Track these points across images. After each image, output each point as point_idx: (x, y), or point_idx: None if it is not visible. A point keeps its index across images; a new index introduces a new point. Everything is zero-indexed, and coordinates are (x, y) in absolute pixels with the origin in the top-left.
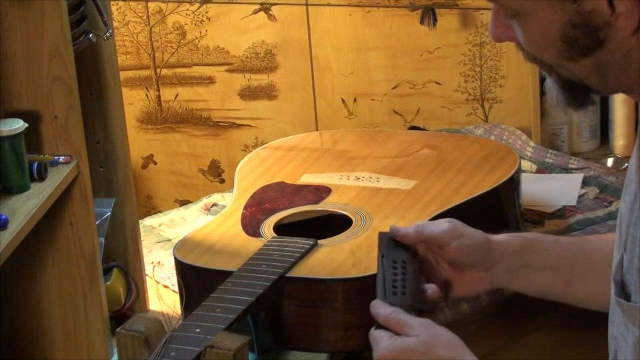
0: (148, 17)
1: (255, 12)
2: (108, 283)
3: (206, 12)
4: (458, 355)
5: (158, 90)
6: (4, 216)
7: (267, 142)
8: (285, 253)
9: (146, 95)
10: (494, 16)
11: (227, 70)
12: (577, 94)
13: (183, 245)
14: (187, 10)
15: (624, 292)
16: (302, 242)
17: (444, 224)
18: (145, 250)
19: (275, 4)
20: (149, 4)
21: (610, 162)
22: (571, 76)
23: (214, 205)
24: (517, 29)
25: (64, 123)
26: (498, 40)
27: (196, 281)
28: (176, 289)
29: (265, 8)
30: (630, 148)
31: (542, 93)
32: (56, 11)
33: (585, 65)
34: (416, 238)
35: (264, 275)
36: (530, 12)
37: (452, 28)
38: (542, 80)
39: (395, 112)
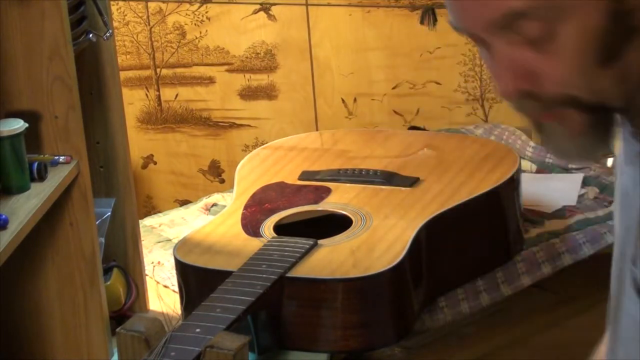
0: (148, 17)
1: (255, 12)
2: (108, 283)
3: (206, 12)
4: None
5: (158, 90)
6: (4, 216)
7: (267, 142)
8: (285, 253)
9: (146, 95)
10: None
11: (227, 70)
12: (601, 129)
13: (183, 245)
14: (187, 10)
15: None
16: (302, 242)
17: None
18: (145, 250)
19: (275, 4)
20: (149, 4)
21: (610, 162)
22: (599, 98)
23: (214, 205)
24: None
25: (64, 123)
26: (513, 95)
27: (196, 281)
28: (176, 289)
29: (265, 8)
30: None
31: None
32: (56, 11)
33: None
34: None
35: (264, 275)
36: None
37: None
38: None
39: (395, 112)
